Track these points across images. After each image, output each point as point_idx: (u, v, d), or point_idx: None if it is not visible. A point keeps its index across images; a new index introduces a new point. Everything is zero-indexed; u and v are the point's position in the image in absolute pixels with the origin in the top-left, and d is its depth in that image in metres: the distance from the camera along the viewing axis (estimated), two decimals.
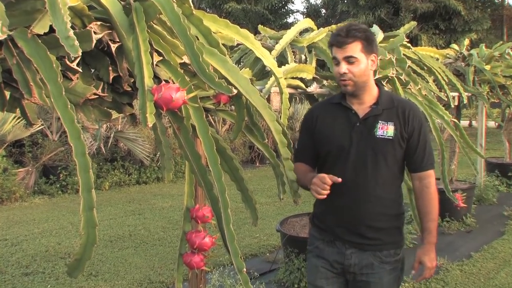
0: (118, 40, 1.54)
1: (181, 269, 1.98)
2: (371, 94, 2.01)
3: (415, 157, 2.02)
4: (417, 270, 2.06)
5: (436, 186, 2.07)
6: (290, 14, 20.88)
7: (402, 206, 2.13)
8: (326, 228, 2.11)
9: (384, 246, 2.05)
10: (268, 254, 4.62)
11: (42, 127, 7.69)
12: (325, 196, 1.90)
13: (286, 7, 20.41)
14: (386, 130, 1.97)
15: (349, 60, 1.91)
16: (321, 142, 2.07)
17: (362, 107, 2.01)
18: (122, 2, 1.54)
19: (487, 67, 4.96)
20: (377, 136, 1.97)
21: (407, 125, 1.98)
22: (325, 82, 2.84)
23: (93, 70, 1.61)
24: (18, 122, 7.04)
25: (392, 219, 2.06)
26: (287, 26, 18.36)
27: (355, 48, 1.90)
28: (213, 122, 9.67)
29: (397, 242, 2.09)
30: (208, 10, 17.84)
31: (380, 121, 1.98)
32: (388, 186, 2.02)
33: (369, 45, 1.93)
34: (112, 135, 8.19)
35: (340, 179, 1.88)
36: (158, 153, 8.44)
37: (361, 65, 1.92)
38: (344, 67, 1.92)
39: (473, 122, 15.74)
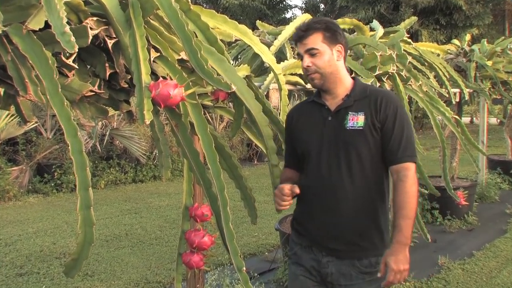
0: (114, 36, 1.52)
1: (180, 268, 1.96)
2: (343, 86, 1.91)
3: (389, 148, 1.83)
4: (383, 272, 1.79)
5: (417, 181, 1.84)
6: (288, 9, 20.79)
7: (387, 207, 1.95)
8: (303, 232, 2.00)
9: (363, 254, 1.89)
10: (267, 253, 4.60)
11: (36, 124, 7.63)
12: (287, 207, 1.86)
13: (284, 2, 20.31)
14: (356, 120, 1.85)
15: (311, 52, 1.85)
16: (297, 142, 1.99)
17: (335, 101, 1.91)
18: None
19: (489, 63, 4.94)
20: (347, 128, 1.84)
21: (378, 113, 1.83)
22: None
23: (89, 67, 1.59)
24: (12, 120, 6.99)
25: (372, 223, 1.89)
26: (285, 21, 18.29)
27: (315, 40, 1.84)
28: (210, 119, 9.64)
29: (379, 249, 1.89)
30: (205, 5, 17.74)
31: (350, 112, 1.86)
32: (366, 182, 1.86)
33: (332, 36, 1.86)
34: (107, 133, 8.14)
35: (298, 190, 1.85)
36: (155, 151, 8.49)
37: (324, 56, 1.84)
38: (307, 61, 1.86)
39: (475, 119, 15.79)
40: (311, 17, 2.91)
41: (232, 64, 1.76)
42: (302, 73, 1.97)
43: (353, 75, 2.91)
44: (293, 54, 2.74)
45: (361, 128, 1.83)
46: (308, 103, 2.01)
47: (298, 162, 2.02)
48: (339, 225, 1.87)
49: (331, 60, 1.86)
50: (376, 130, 1.83)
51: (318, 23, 1.87)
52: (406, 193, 1.79)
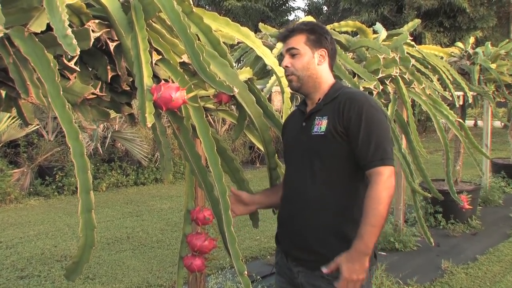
0: (116, 39, 1.52)
1: (182, 272, 1.94)
2: (321, 91, 1.84)
3: (358, 153, 1.69)
4: (329, 271, 1.66)
5: (390, 187, 1.65)
6: (291, 12, 20.76)
7: (359, 215, 1.69)
8: (279, 239, 1.96)
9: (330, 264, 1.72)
10: (269, 256, 4.58)
11: (37, 127, 7.63)
12: (233, 215, 1.78)
13: (287, 5, 20.27)
14: (320, 125, 1.75)
15: (291, 52, 1.81)
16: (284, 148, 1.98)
17: (312, 107, 1.86)
18: (121, 0, 1.51)
19: (493, 66, 4.93)
20: (313, 133, 1.77)
21: (341, 117, 1.70)
22: None
23: (91, 69, 1.59)
24: (13, 122, 6.99)
25: (341, 231, 1.73)
26: (288, 23, 18.25)
27: (298, 40, 1.81)
28: (212, 122, 9.64)
29: None
30: (207, 7, 17.71)
31: (317, 117, 1.78)
32: (331, 190, 1.74)
33: (316, 39, 1.81)
34: (109, 135, 8.14)
35: (244, 196, 1.89)
36: (157, 153, 8.49)
37: (303, 58, 1.79)
38: (286, 61, 1.82)
39: (478, 122, 15.75)
40: (313, 19, 2.91)
41: (235, 67, 1.75)
42: None
43: (355, 78, 2.91)
44: None
45: (322, 133, 1.73)
46: (296, 109, 1.98)
47: None
48: (302, 233, 1.78)
49: (311, 63, 1.81)
50: (339, 134, 1.71)
51: (305, 24, 1.84)
52: (373, 198, 1.63)
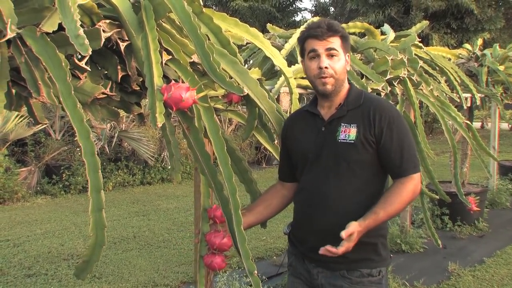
0: (127, 39, 1.52)
1: (202, 271, 1.92)
2: (341, 95, 1.82)
3: (391, 162, 1.75)
4: (347, 235, 1.62)
5: (416, 192, 1.75)
6: (298, 12, 20.75)
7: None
8: (296, 242, 1.94)
9: (353, 265, 1.78)
10: (275, 257, 4.58)
11: (45, 126, 7.67)
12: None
13: (294, 5, 20.20)
14: (348, 133, 1.74)
15: (331, 53, 1.74)
16: (291, 152, 1.93)
17: (330, 110, 1.83)
18: (131, 0, 1.52)
19: (501, 68, 4.91)
20: (339, 140, 1.75)
21: (372, 127, 1.73)
22: None
23: (101, 69, 1.59)
24: (21, 121, 7.03)
25: (363, 235, 1.70)
26: (295, 24, 18.22)
27: (336, 42, 1.75)
28: (219, 122, 9.64)
29: (371, 260, 1.80)
30: (214, 7, 17.72)
31: (342, 124, 1.77)
32: (357, 197, 1.76)
33: (346, 43, 1.80)
34: (116, 135, 8.16)
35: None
36: (163, 153, 8.49)
37: (341, 61, 1.76)
38: (326, 61, 1.73)
39: (486, 124, 15.67)
40: None
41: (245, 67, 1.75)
42: (308, 76, 1.83)
43: (363, 79, 2.90)
44: None
45: (352, 141, 1.74)
46: (303, 112, 1.93)
47: (292, 174, 1.96)
48: (326, 237, 1.71)
49: (345, 67, 1.80)
50: (369, 143, 1.73)
51: (339, 26, 1.78)
52: (399, 195, 1.71)
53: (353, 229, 1.63)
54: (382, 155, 1.75)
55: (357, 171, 1.76)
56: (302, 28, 1.98)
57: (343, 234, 1.61)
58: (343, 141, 1.75)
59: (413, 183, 1.74)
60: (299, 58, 2.71)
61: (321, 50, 1.75)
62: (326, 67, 1.74)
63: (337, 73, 1.76)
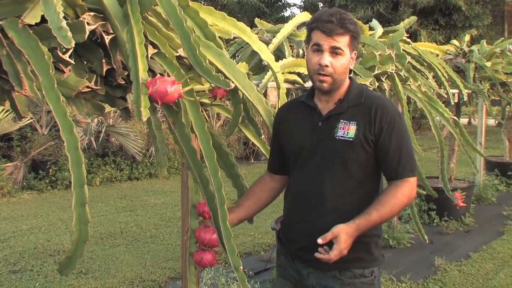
0: (112, 32, 1.50)
1: (192, 269, 1.88)
2: (341, 91, 1.77)
3: (388, 163, 1.71)
4: (325, 241, 1.60)
5: (411, 196, 1.71)
6: (287, 8, 20.70)
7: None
8: (285, 241, 1.88)
9: (344, 265, 1.71)
10: (263, 252, 4.58)
11: (31, 120, 7.57)
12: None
13: (282, 1, 20.23)
14: (347, 130, 1.69)
15: (336, 51, 1.66)
16: (284, 145, 1.86)
17: (328, 105, 1.77)
18: None
19: (488, 64, 4.95)
20: (337, 137, 1.70)
21: (373, 126, 1.69)
22: None
23: (86, 62, 1.57)
24: (7, 115, 6.94)
25: (359, 235, 1.67)
26: (284, 19, 18.21)
27: (344, 40, 1.67)
28: (207, 117, 9.61)
29: (363, 260, 1.76)
30: (203, 2, 17.66)
31: (341, 120, 1.71)
32: (350, 197, 1.73)
33: (355, 41, 1.72)
34: (103, 130, 8.10)
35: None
36: (151, 148, 8.46)
37: (343, 60, 1.69)
38: (328, 59, 1.66)
39: (472, 120, 15.81)
40: (310, 16, 2.90)
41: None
42: (308, 68, 1.77)
43: (351, 74, 2.90)
44: (291, 52, 2.73)
45: (351, 139, 1.69)
46: (299, 102, 1.86)
47: (283, 166, 1.91)
48: (318, 236, 1.63)
49: (347, 66, 1.72)
50: (368, 143, 1.69)
51: (351, 23, 1.69)
52: (395, 197, 1.67)
53: (336, 233, 1.58)
54: (379, 155, 1.72)
55: (352, 170, 1.71)
56: (315, 15, 1.84)
57: (320, 240, 1.58)
58: (341, 138, 1.69)
59: (409, 187, 1.69)
60: (286, 53, 2.71)
61: (325, 47, 1.67)
62: (326, 65, 1.67)
63: (337, 72, 1.69)
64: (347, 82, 1.79)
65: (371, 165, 1.74)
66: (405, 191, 1.68)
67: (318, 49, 1.69)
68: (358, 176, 1.73)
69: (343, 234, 1.58)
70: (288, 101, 2.02)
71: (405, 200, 1.69)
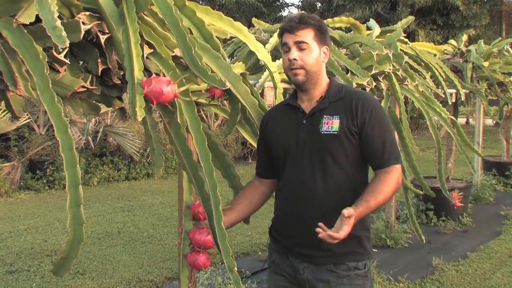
0: (107, 31, 1.50)
1: (186, 271, 1.86)
2: (321, 88, 1.83)
3: (373, 153, 1.78)
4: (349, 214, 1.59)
5: (399, 183, 1.77)
6: (285, 8, 20.80)
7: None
8: (279, 238, 1.92)
9: (339, 259, 1.78)
10: (260, 252, 4.57)
11: (28, 120, 7.56)
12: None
13: (280, 0, 20.29)
14: (331, 125, 1.76)
15: (301, 46, 1.76)
16: (271, 147, 1.90)
17: (311, 103, 1.84)
18: None
19: (486, 64, 4.96)
20: (322, 132, 1.76)
21: (355, 118, 1.76)
22: None
23: (81, 62, 1.56)
24: (4, 115, 6.91)
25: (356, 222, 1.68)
26: (281, 19, 18.20)
27: (307, 35, 1.76)
28: (204, 117, 9.60)
29: (357, 253, 1.81)
30: (200, 2, 17.67)
31: (325, 116, 1.78)
32: (342, 190, 1.78)
33: (321, 35, 1.80)
34: (101, 130, 8.09)
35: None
36: (148, 148, 8.43)
37: (313, 53, 1.77)
38: (295, 53, 1.75)
39: (470, 120, 15.83)
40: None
41: (228, 62, 1.74)
42: (283, 69, 1.85)
43: (348, 74, 2.90)
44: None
45: (335, 133, 1.75)
46: (283, 106, 1.94)
47: (271, 171, 1.94)
48: (312, 231, 1.64)
49: (319, 59, 1.80)
50: (352, 134, 1.76)
51: (312, 19, 1.79)
52: (386, 183, 1.72)
53: (353, 212, 1.60)
54: (364, 145, 1.78)
55: (341, 163, 1.77)
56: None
57: (345, 212, 1.57)
58: (326, 132, 1.76)
59: (397, 173, 1.76)
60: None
61: (291, 43, 1.77)
62: (295, 59, 1.76)
63: (308, 64, 1.77)
64: (327, 80, 1.86)
65: (358, 157, 1.80)
66: (394, 177, 1.75)
67: (287, 49, 1.79)
68: (347, 168, 1.78)
69: (352, 219, 1.61)
70: (272, 107, 2.07)
71: (395, 185, 1.75)
